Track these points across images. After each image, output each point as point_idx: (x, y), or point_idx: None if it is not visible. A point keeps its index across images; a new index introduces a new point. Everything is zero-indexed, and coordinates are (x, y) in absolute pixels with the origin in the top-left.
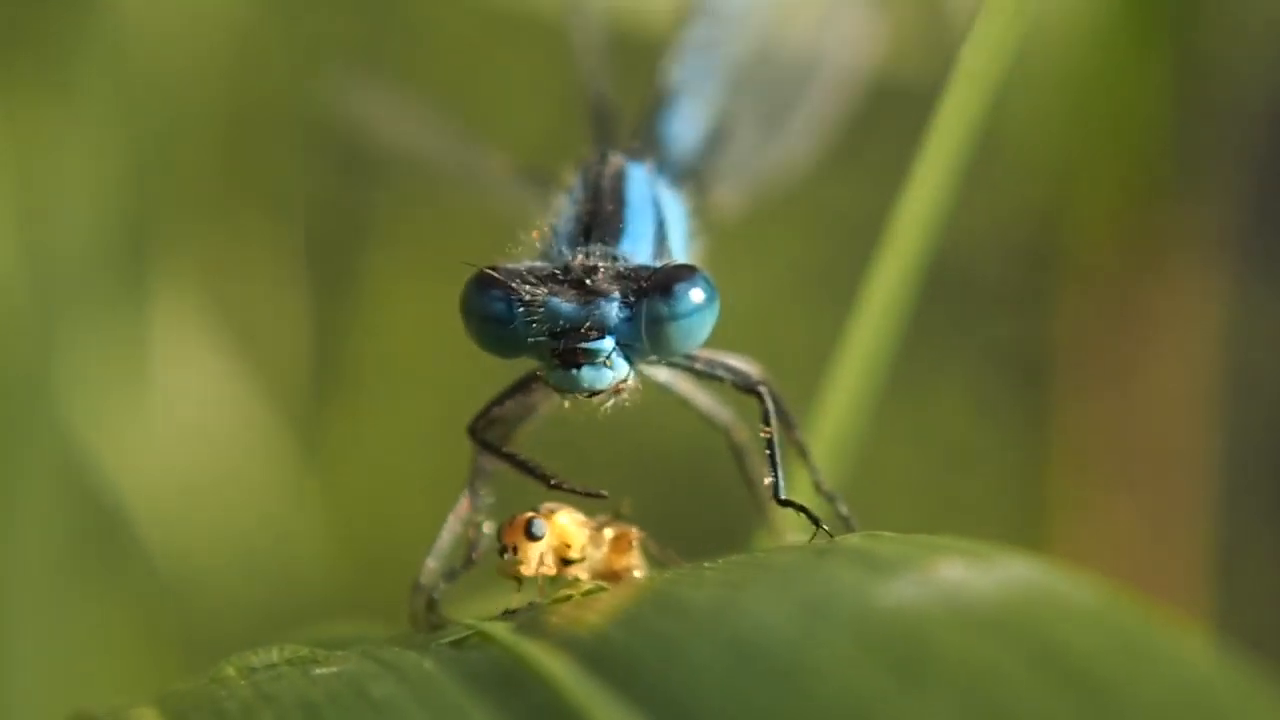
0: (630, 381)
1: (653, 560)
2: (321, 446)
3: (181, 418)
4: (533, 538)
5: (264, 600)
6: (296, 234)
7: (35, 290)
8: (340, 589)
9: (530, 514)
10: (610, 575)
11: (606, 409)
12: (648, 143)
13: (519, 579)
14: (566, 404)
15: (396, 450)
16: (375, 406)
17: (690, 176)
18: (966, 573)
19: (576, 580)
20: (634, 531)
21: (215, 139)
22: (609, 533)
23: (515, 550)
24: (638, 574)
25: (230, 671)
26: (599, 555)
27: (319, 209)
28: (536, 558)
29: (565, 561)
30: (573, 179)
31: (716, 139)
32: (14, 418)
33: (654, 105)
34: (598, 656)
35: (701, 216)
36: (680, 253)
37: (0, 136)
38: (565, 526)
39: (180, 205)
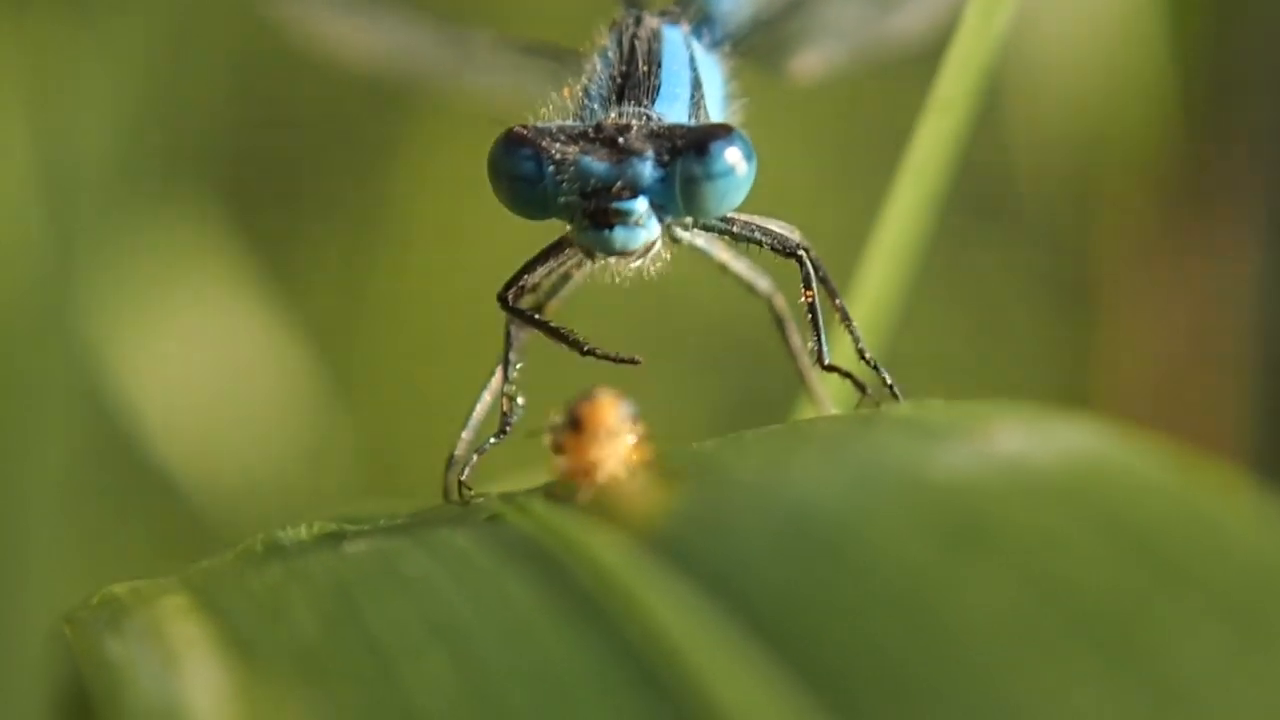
0: (661, 243)
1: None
2: (350, 365)
3: (201, 336)
4: (616, 429)
5: (288, 514)
6: (320, 150)
7: (53, 208)
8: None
9: (610, 399)
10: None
11: (637, 271)
12: (688, 7)
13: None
14: (596, 265)
15: (427, 369)
16: (405, 322)
17: (733, 41)
18: (1024, 440)
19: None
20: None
21: (234, 53)
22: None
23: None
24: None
25: (256, 548)
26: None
27: (343, 123)
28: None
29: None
30: (605, 40)
31: (773, 5)
32: (33, 337)
33: None
34: (639, 528)
35: (744, 80)
36: (717, 115)
37: (16, 53)
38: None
39: (200, 120)
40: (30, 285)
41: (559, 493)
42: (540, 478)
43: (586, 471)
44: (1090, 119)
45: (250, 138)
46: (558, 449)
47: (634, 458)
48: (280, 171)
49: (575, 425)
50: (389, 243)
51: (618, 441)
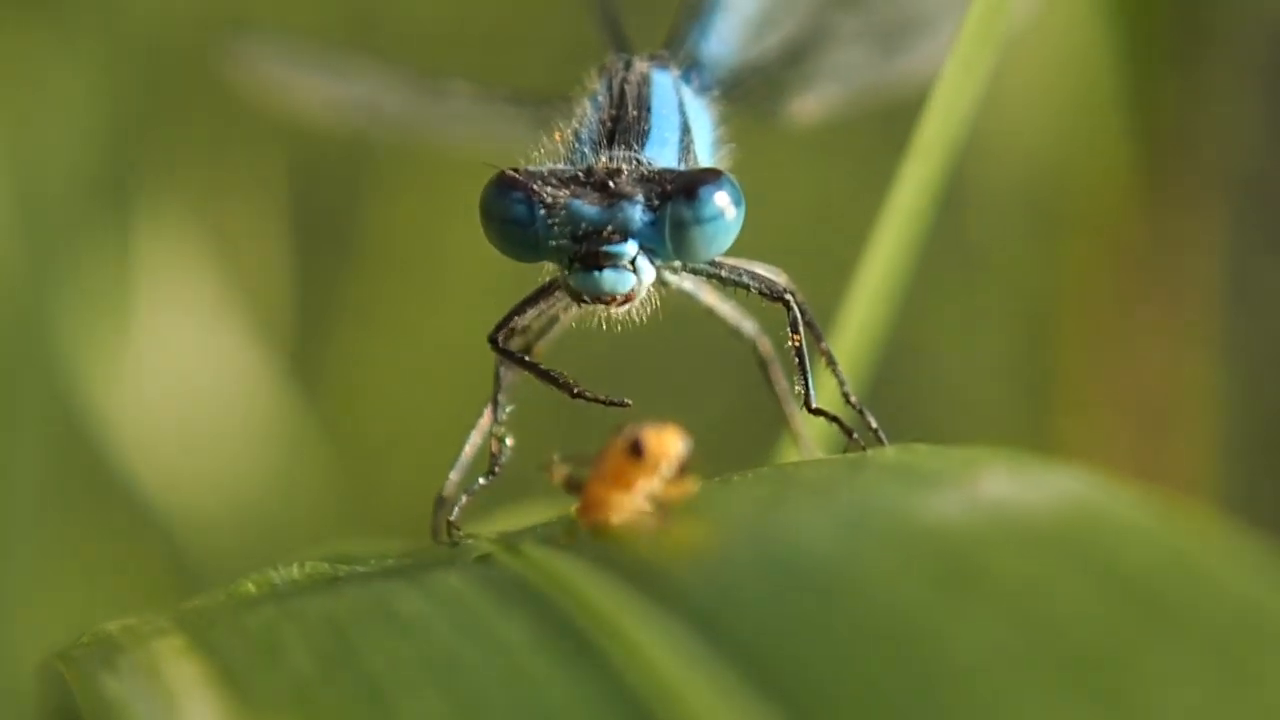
0: (649, 287)
1: None
2: (320, 383)
3: (172, 355)
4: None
5: (261, 539)
6: (298, 173)
7: (24, 228)
8: (338, 525)
9: (675, 432)
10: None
11: (624, 315)
12: (677, 53)
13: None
14: (582, 308)
15: (398, 386)
16: (374, 341)
17: (723, 86)
18: (1010, 486)
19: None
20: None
21: (202, 71)
22: None
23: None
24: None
25: (250, 588)
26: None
27: (320, 146)
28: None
29: None
30: (595, 84)
31: (765, 51)
32: (5, 356)
33: (688, 16)
34: (628, 569)
35: (733, 125)
36: (706, 160)
37: None
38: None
39: (168, 139)
40: (2, 303)
41: (563, 528)
42: (530, 517)
43: (619, 501)
44: (1053, 159)
45: (228, 158)
46: (572, 487)
47: (672, 494)
48: (258, 196)
49: (636, 452)
50: (366, 267)
51: (661, 476)
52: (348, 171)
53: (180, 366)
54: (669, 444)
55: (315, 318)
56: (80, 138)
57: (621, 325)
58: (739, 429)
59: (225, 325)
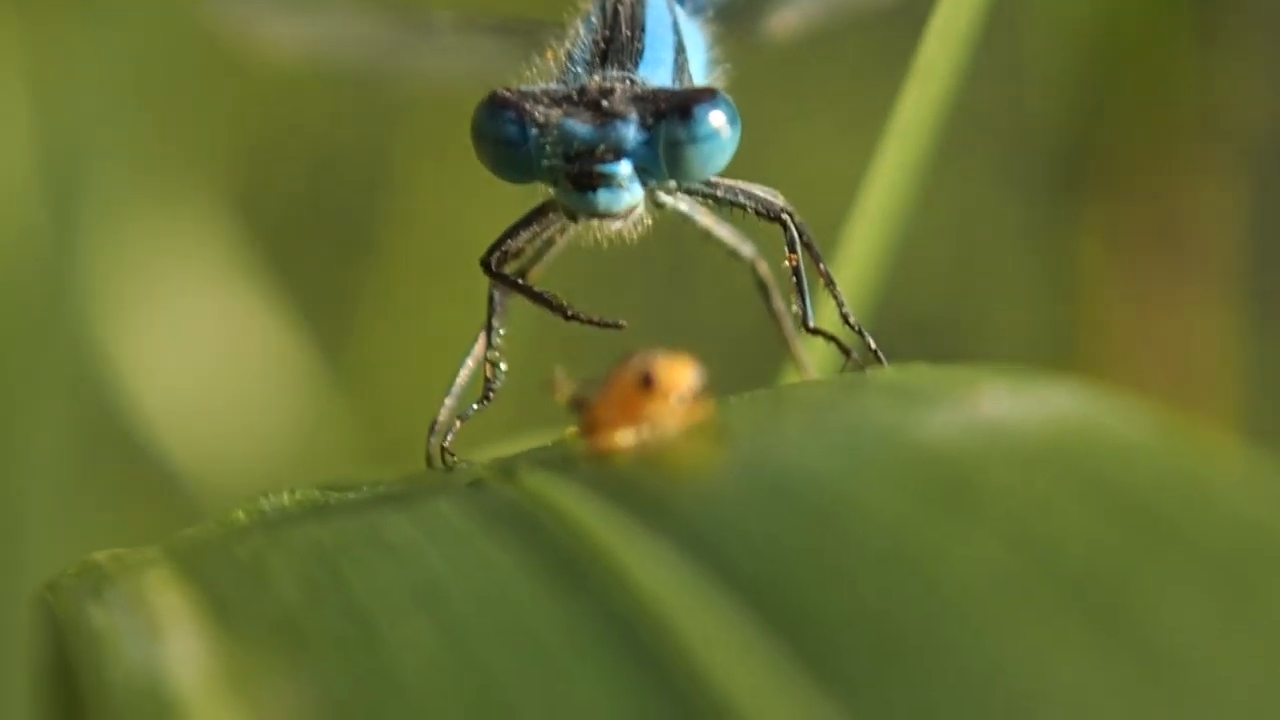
0: (643, 206)
1: None
2: (346, 350)
3: (197, 322)
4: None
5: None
6: (318, 141)
7: (53, 194)
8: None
9: (687, 361)
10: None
11: (619, 233)
12: None
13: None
14: (577, 228)
15: (421, 352)
16: (400, 306)
17: (715, 7)
18: (1010, 405)
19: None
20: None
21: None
22: None
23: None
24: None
25: (240, 516)
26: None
27: (341, 116)
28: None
29: None
30: (589, 5)
31: None
32: (31, 322)
33: None
34: (619, 492)
35: (726, 46)
36: (700, 80)
37: (18, 39)
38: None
39: (200, 109)
40: (29, 271)
41: (561, 452)
42: (523, 442)
43: (625, 428)
44: (1072, 101)
45: (250, 129)
46: (577, 406)
47: (691, 418)
48: (277, 162)
49: (647, 384)
50: (384, 228)
51: (677, 403)
52: (372, 134)
53: (202, 328)
54: (680, 376)
55: (336, 277)
56: (110, 108)
57: (615, 243)
58: (740, 353)
59: (246, 286)
